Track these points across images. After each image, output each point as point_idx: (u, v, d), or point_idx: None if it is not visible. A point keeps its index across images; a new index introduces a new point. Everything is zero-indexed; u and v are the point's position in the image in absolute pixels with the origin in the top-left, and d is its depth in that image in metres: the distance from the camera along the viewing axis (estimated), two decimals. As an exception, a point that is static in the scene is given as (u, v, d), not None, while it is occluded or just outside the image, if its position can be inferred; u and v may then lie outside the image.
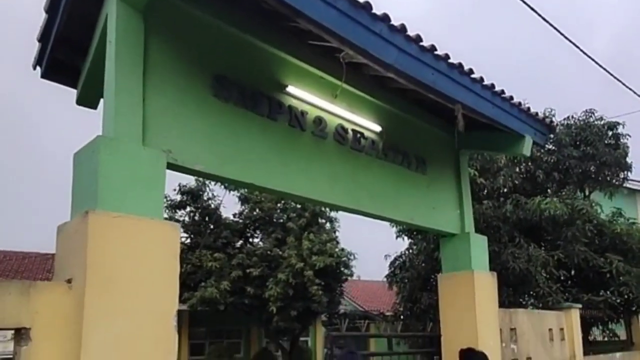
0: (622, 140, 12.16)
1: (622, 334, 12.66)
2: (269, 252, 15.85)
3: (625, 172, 12.52)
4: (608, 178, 12.47)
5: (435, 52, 4.36)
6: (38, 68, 4.71)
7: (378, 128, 5.38)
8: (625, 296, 10.66)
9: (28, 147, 57.56)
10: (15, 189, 51.43)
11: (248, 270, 15.28)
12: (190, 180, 16.68)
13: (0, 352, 10.38)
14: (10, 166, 52.55)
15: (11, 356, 2.97)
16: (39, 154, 58.92)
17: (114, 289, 3.12)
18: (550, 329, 8.59)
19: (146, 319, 3.24)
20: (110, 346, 3.05)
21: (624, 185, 14.09)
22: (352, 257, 16.76)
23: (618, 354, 11.24)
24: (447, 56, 4.48)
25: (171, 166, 3.67)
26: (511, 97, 5.41)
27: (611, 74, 7.86)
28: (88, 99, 4.87)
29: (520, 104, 5.57)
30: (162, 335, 3.31)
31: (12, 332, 2.99)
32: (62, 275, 3.23)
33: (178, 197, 16.61)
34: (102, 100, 3.80)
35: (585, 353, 9.69)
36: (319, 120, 4.81)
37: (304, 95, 4.66)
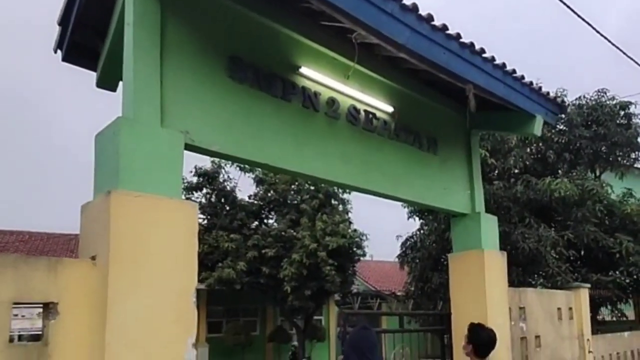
0: (634, 120, 11.95)
1: (630, 314, 12.61)
2: (283, 233, 15.97)
3: (637, 153, 12.38)
4: (619, 158, 12.34)
5: (447, 32, 4.31)
6: (59, 52, 4.73)
7: (390, 109, 5.35)
8: (635, 276, 10.61)
9: (52, 131, 58.12)
10: (40, 172, 52.18)
11: (263, 251, 15.42)
12: (206, 163, 16.83)
13: (28, 329, 10.68)
14: (35, 150, 53.22)
15: (39, 332, 3.02)
16: (63, 138, 59.45)
17: (137, 265, 3.17)
18: (559, 308, 8.57)
19: (167, 294, 3.29)
20: (133, 320, 3.10)
21: (635, 165, 13.93)
22: (364, 238, 16.84)
23: (626, 333, 11.21)
24: (458, 35, 4.42)
25: (189, 147, 3.68)
26: (522, 77, 5.35)
27: (624, 53, 7.73)
28: (108, 82, 4.89)
29: (531, 83, 5.51)
30: (183, 311, 3.36)
31: (40, 308, 3.05)
32: (86, 252, 3.28)
33: (194, 179, 16.70)
34: (121, 83, 3.82)
35: (594, 332, 9.68)
36: (331, 101, 4.80)
37: (317, 76, 4.64)
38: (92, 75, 4.92)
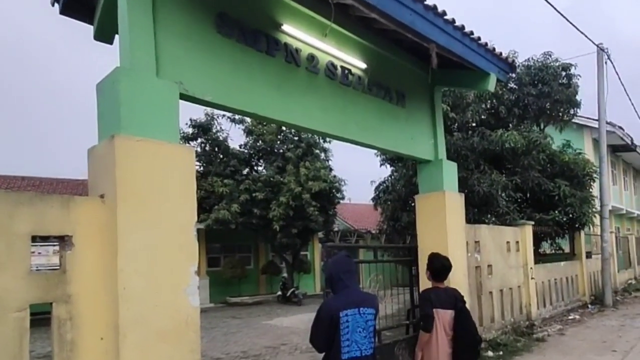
0: (573, 80, 11.97)
1: (566, 247, 13.04)
2: (271, 179, 15.89)
3: (575, 109, 12.45)
4: (560, 114, 12.40)
5: (413, -6, 4.19)
6: (56, 5, 4.48)
7: (363, 65, 5.26)
8: (570, 215, 10.89)
9: (57, 82, 55.46)
10: (49, 121, 50.26)
11: (254, 195, 15.37)
12: (200, 116, 16.54)
13: (45, 264, 10.67)
14: (49, 101, 51.03)
15: (56, 267, 2.99)
16: (69, 89, 56.88)
17: (142, 202, 3.13)
18: (507, 242, 8.84)
19: (171, 228, 3.27)
20: (142, 250, 3.09)
21: (573, 120, 14.07)
22: (342, 183, 16.89)
23: (562, 263, 11.68)
24: (423, -2, 4.31)
25: (183, 97, 3.58)
26: (479, 38, 5.27)
27: (567, 19, 7.64)
28: (104, 35, 4.68)
29: (486, 44, 5.44)
30: (185, 242, 3.35)
31: (56, 244, 3.01)
32: (95, 191, 3.23)
33: (190, 130, 16.40)
34: (116, 36, 3.63)
35: (536, 262, 10.06)
36: (311, 57, 4.68)
37: (298, 34, 4.50)
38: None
